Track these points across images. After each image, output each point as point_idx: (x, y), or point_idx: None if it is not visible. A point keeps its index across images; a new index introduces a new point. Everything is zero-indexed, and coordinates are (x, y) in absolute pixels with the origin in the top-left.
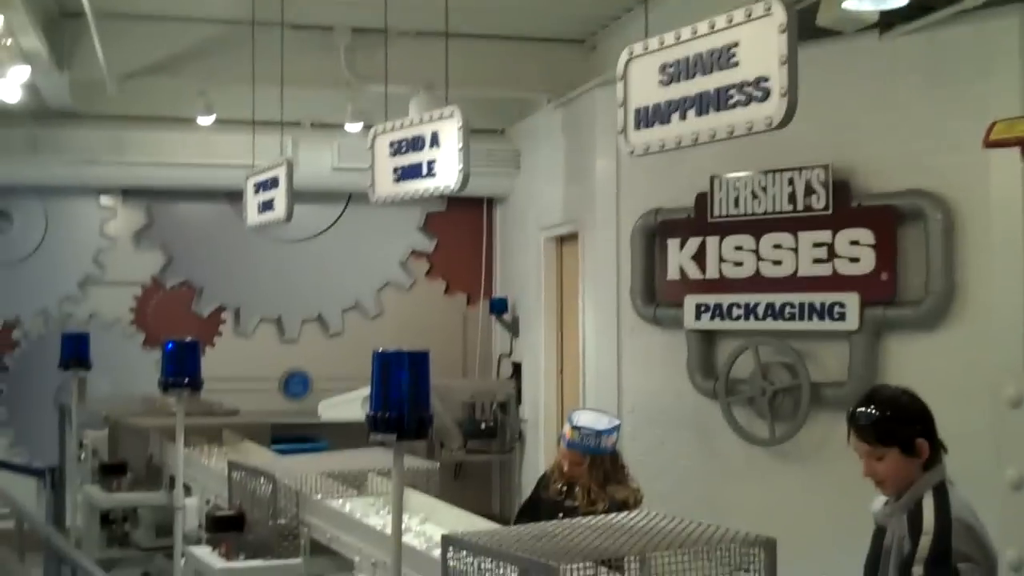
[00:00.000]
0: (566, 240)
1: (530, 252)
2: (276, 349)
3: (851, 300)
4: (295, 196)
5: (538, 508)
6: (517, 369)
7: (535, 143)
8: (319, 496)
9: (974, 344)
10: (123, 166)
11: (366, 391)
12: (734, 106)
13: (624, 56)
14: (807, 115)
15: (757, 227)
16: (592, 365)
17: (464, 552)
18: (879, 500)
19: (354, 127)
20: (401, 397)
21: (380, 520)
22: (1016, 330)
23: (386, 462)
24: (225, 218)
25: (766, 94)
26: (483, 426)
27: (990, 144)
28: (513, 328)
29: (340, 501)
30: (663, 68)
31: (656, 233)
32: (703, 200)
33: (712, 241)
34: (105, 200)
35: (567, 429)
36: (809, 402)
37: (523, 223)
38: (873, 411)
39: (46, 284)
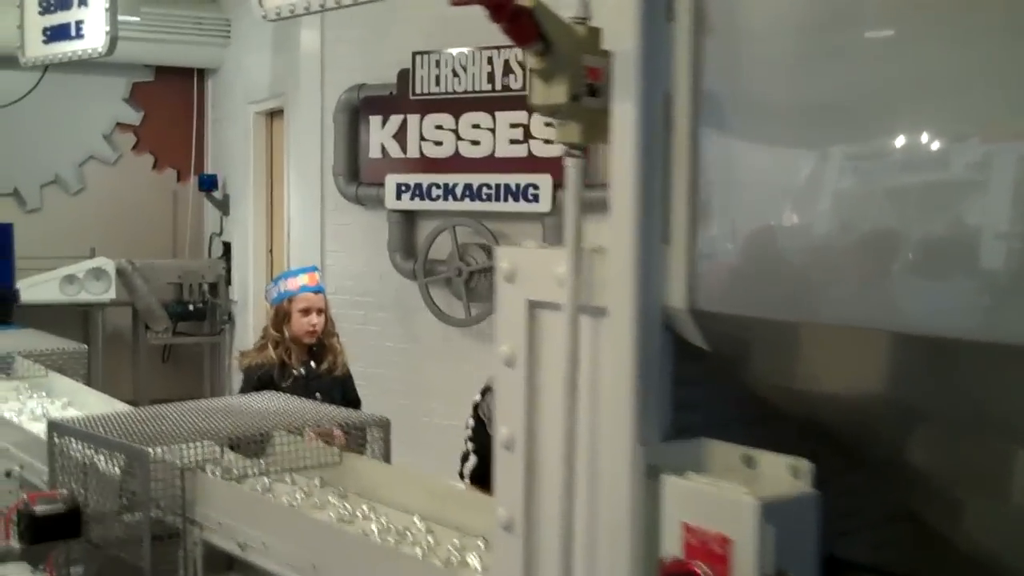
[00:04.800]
0: (275, 115)
1: (240, 127)
2: None
3: (544, 182)
4: None
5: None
6: (228, 249)
7: (245, 12)
8: None
9: None
10: None
11: (65, 271)
12: None
13: None
14: None
15: (457, 106)
16: (297, 245)
17: (70, 438)
18: None
19: None
20: None
21: (16, 405)
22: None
23: (37, 343)
24: None
25: None
26: (191, 307)
27: (456, 2)
28: (223, 206)
29: None
30: None
31: (359, 110)
32: (405, 77)
33: (413, 119)
34: None
35: (302, 279)
36: None
37: (233, 97)
38: None
39: None
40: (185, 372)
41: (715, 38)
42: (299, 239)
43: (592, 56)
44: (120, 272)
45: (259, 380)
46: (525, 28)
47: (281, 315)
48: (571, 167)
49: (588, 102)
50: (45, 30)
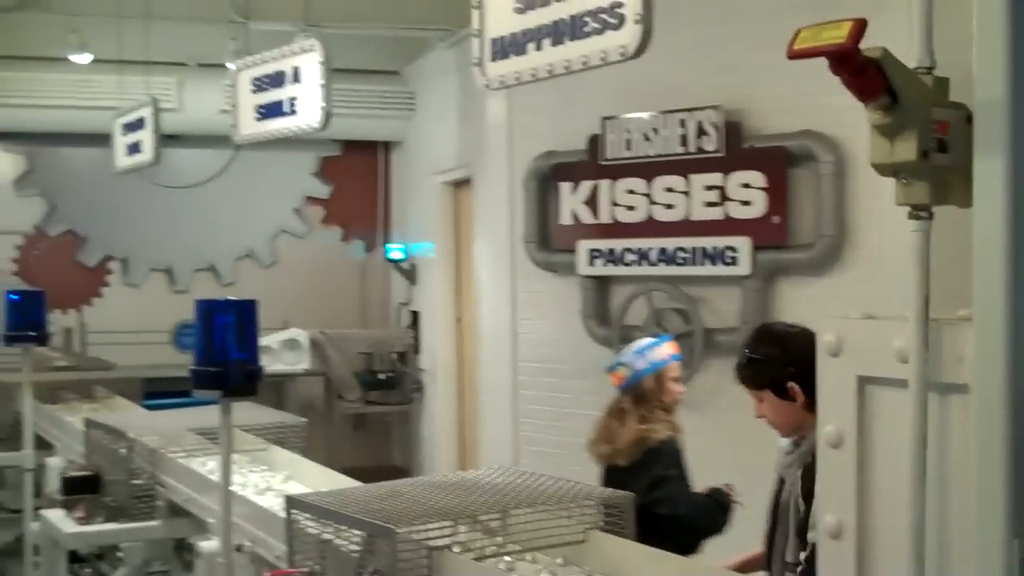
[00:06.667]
0: (461, 185)
1: (426, 198)
2: (167, 300)
3: (743, 244)
4: (183, 140)
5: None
6: (416, 318)
7: (429, 84)
8: (178, 455)
9: (864, 288)
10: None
11: (262, 341)
12: (589, 35)
13: None
14: (700, 54)
15: (649, 170)
16: (488, 313)
17: (308, 514)
18: (783, 441)
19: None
20: (226, 350)
21: (240, 479)
22: (904, 273)
23: (257, 417)
24: (110, 163)
25: (621, 21)
26: (381, 376)
27: (794, 54)
28: (411, 276)
29: (201, 459)
30: None
31: (549, 177)
32: (595, 142)
33: (604, 185)
34: None
35: (666, 349)
36: (703, 348)
37: (418, 168)
38: (745, 352)
39: None
40: (376, 441)
41: None
42: (490, 307)
43: (941, 109)
44: (314, 342)
45: (677, 453)
46: (871, 81)
47: (661, 383)
48: (918, 230)
49: (937, 158)
50: (259, 108)
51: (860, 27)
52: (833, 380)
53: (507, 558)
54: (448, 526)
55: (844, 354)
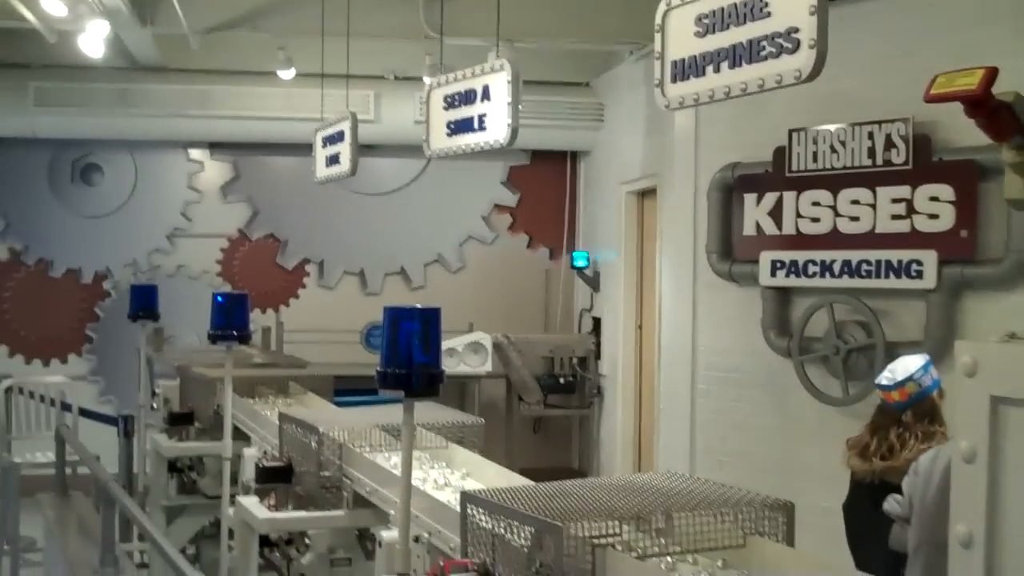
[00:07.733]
0: (646, 195)
1: (611, 207)
2: (359, 302)
3: (929, 258)
4: (379, 150)
5: None
6: (597, 324)
7: (618, 96)
8: (363, 449)
9: None
10: (210, 120)
11: (446, 344)
12: (765, 58)
13: (662, 6)
14: (888, 67)
15: (835, 182)
16: (669, 322)
17: (482, 510)
18: None
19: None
20: (411, 353)
21: (420, 474)
22: None
23: (439, 416)
24: (309, 172)
25: (796, 46)
26: (562, 381)
27: (931, 98)
28: (594, 283)
29: (385, 454)
30: (699, 19)
31: (733, 188)
32: (781, 154)
33: (789, 196)
34: (194, 153)
35: (933, 371)
36: (884, 362)
37: (605, 177)
38: None
39: (136, 236)
40: (555, 443)
41: None
42: (671, 315)
43: None
44: (497, 346)
45: None
46: (1004, 123)
47: (942, 399)
48: None
49: None
50: (449, 124)
51: (991, 75)
52: (968, 399)
53: (668, 558)
54: (613, 525)
55: (979, 375)
